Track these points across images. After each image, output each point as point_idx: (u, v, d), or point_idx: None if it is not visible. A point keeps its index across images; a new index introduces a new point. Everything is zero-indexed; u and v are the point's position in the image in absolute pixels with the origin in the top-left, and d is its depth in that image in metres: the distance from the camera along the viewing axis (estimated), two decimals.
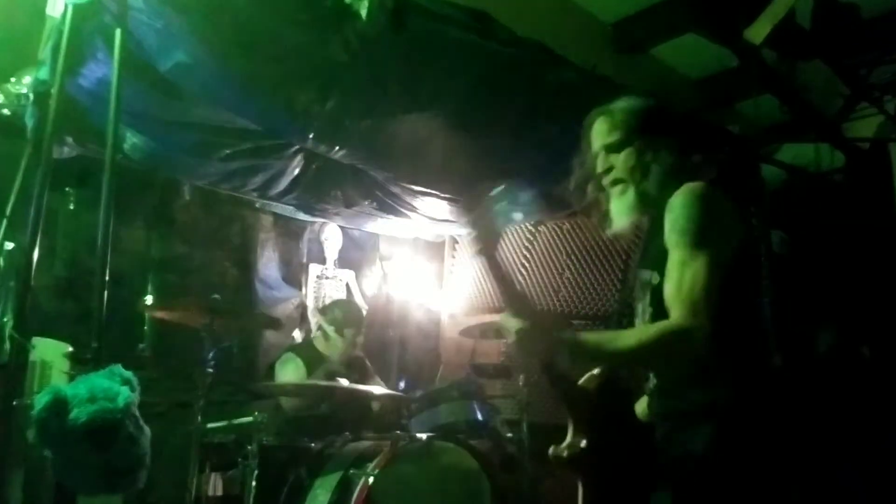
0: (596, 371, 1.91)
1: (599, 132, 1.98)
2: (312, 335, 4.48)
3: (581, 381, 1.92)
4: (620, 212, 1.91)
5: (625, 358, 1.73)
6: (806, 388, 3.80)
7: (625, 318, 1.98)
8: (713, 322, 1.61)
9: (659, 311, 1.72)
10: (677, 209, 1.73)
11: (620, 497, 1.81)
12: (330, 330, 4.10)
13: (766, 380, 1.78)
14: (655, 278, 1.77)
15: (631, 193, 1.89)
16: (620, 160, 1.91)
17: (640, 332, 1.76)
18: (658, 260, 1.75)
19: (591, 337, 1.79)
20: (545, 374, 1.83)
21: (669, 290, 1.67)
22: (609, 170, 1.93)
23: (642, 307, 1.85)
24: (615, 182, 1.92)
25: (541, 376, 1.82)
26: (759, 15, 3.30)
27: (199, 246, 4.56)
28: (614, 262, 4.89)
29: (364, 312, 5.16)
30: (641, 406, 1.93)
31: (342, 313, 4.19)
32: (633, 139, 1.91)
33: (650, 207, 1.88)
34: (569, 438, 1.82)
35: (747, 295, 1.79)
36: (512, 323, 1.76)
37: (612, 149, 1.93)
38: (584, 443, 1.78)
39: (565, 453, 1.81)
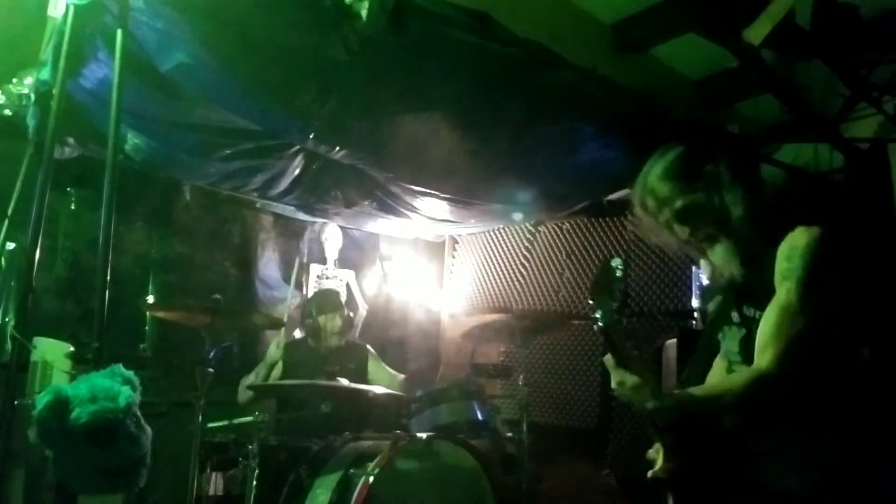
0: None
1: (657, 211, 1.90)
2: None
3: None
4: (725, 263, 1.86)
5: (724, 409, 1.72)
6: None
7: (707, 348, 1.97)
8: (801, 371, 1.64)
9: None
10: (790, 258, 1.72)
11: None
12: (309, 321, 4.12)
13: (871, 423, 1.81)
14: (759, 315, 1.76)
15: (723, 243, 1.84)
16: (694, 221, 1.85)
17: (734, 382, 1.75)
18: (763, 298, 1.74)
19: (696, 396, 1.73)
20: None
21: (764, 331, 1.69)
22: (692, 234, 1.87)
23: (738, 338, 1.85)
24: (704, 240, 1.87)
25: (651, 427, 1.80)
26: (759, 15, 3.30)
27: (200, 246, 4.57)
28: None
29: (364, 312, 5.19)
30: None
31: (315, 303, 4.20)
32: (690, 194, 1.84)
33: (750, 246, 1.83)
34: (660, 462, 1.83)
35: (851, 344, 1.84)
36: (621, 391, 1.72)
37: (681, 216, 1.86)
38: (671, 464, 1.79)
39: (662, 476, 1.81)
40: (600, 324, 1.71)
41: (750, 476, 1.76)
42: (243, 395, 3.99)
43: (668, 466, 1.79)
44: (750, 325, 1.83)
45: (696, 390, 1.75)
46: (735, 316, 1.88)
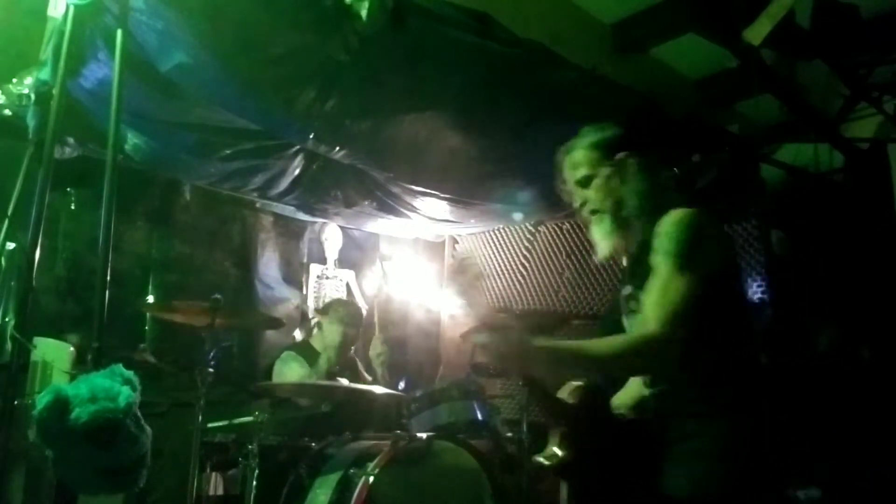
0: (577, 383, 1.99)
1: (569, 170, 2.09)
2: (312, 334, 4.48)
3: (561, 393, 2.00)
4: (601, 239, 2.03)
5: (600, 365, 1.82)
6: (806, 384, 3.80)
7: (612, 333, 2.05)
8: (688, 333, 1.71)
9: None
10: (665, 234, 1.84)
11: (606, 498, 1.89)
12: (333, 328, 4.10)
13: (760, 379, 1.87)
14: (642, 294, 1.85)
15: (607, 221, 2.01)
16: (592, 192, 2.03)
17: (615, 340, 1.82)
18: (645, 278, 1.84)
19: (567, 345, 1.84)
20: (526, 386, 1.90)
21: (648, 302, 1.79)
22: (584, 203, 2.05)
23: (630, 323, 1.97)
24: (591, 213, 2.04)
25: (522, 388, 1.93)
26: (759, 15, 3.30)
27: (200, 246, 4.56)
28: (614, 261, 4.88)
29: (364, 312, 5.18)
30: (629, 398, 2.03)
31: (345, 311, 4.20)
32: (600, 170, 2.02)
33: (631, 231, 2.00)
34: (549, 449, 1.91)
35: (735, 304, 1.90)
36: (485, 336, 1.81)
37: (582, 184, 2.05)
38: (562, 453, 1.86)
39: (546, 463, 1.89)
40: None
41: (652, 467, 1.82)
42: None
43: (560, 456, 1.87)
44: (630, 306, 1.96)
45: (566, 342, 1.85)
46: (633, 304, 1.97)
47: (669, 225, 1.84)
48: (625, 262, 2.11)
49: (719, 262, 1.84)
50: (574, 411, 1.89)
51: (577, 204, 2.07)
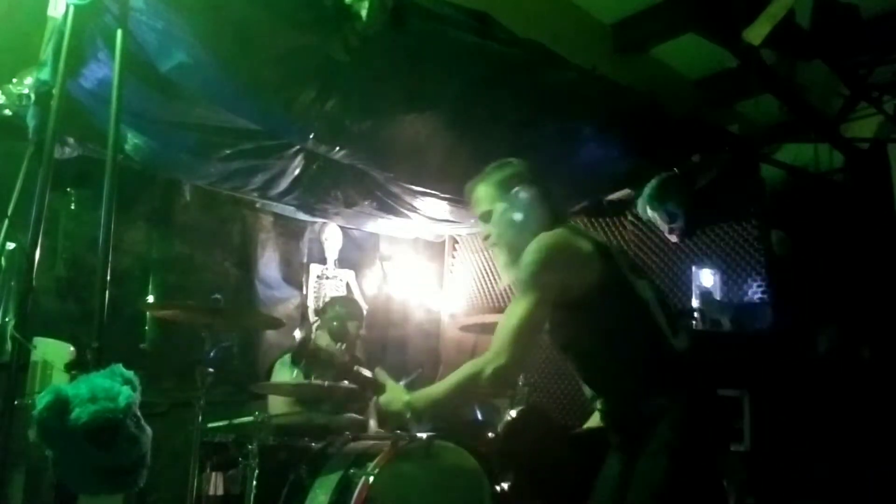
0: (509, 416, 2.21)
1: (473, 206, 2.28)
2: (314, 334, 4.48)
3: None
4: (502, 269, 2.20)
5: (450, 400, 2.05)
6: (806, 385, 3.81)
7: None
8: (520, 355, 1.94)
9: None
10: (521, 261, 2.02)
11: None
12: (333, 325, 4.10)
13: (677, 367, 2.00)
14: None
15: (504, 253, 2.18)
16: (492, 226, 2.20)
17: (453, 376, 2.01)
18: None
19: (422, 394, 2.07)
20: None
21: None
22: (487, 236, 2.23)
23: None
24: (493, 245, 2.22)
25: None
26: (759, 15, 3.30)
27: (200, 246, 4.56)
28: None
29: (364, 312, 5.17)
30: (594, 421, 2.22)
31: (343, 308, 4.20)
32: (496, 205, 2.18)
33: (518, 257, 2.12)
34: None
35: (624, 309, 2.02)
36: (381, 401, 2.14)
37: (484, 218, 2.23)
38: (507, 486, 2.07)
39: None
40: None
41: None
42: None
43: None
44: None
45: (421, 392, 2.07)
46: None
47: (525, 252, 2.01)
48: None
49: (583, 278, 1.97)
50: (502, 443, 2.10)
51: (483, 237, 2.26)
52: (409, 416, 2.04)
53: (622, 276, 2.04)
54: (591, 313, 1.97)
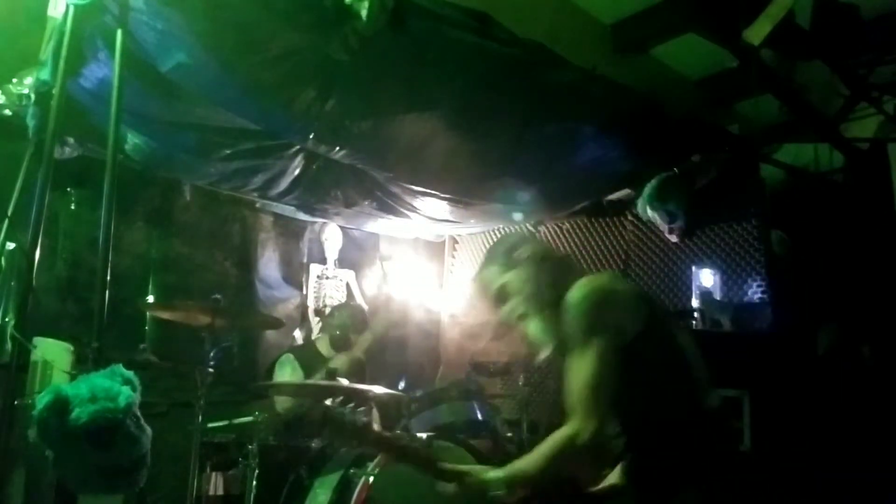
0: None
1: (482, 294, 2.16)
2: (315, 336, 4.48)
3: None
4: (541, 338, 2.05)
5: (545, 474, 1.86)
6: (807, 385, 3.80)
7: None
8: (607, 411, 1.80)
9: None
10: (569, 313, 1.89)
11: None
12: (336, 333, 4.11)
13: (703, 424, 1.90)
14: None
15: (537, 319, 2.04)
16: (511, 304, 2.07)
17: (543, 449, 1.86)
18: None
19: (510, 473, 1.88)
20: None
21: (569, 389, 1.84)
22: (510, 315, 2.09)
23: None
24: (519, 319, 2.08)
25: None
26: (759, 15, 3.30)
27: (200, 246, 4.56)
28: (613, 262, 4.89)
29: (366, 312, 5.18)
30: (617, 476, 2.06)
31: (350, 319, 4.20)
32: (505, 279, 2.08)
33: (557, 314, 1.98)
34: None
35: (665, 356, 1.91)
36: (448, 488, 1.92)
37: (499, 299, 2.11)
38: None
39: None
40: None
41: None
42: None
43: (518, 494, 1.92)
44: None
45: (509, 470, 1.88)
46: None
47: (570, 303, 1.89)
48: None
49: (632, 323, 1.86)
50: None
51: (504, 320, 2.11)
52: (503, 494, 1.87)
53: (665, 324, 1.95)
54: (634, 363, 1.83)
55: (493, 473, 1.86)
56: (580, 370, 1.82)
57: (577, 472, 2.02)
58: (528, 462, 1.87)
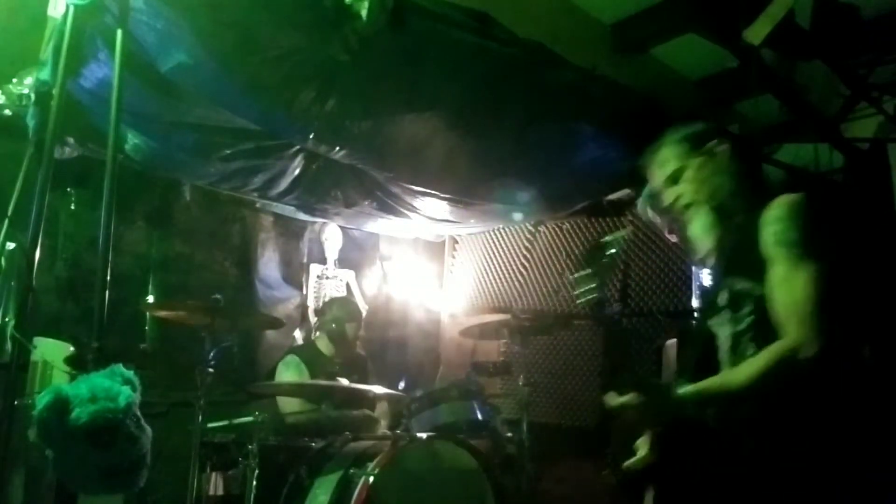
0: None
1: (657, 169, 2.02)
2: (314, 335, 4.49)
3: None
4: (701, 234, 1.94)
5: (748, 392, 1.70)
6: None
7: (703, 328, 1.97)
8: (826, 334, 1.64)
9: (762, 321, 1.73)
10: (778, 221, 1.74)
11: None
12: (331, 327, 4.11)
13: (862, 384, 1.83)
14: (757, 289, 1.76)
15: (705, 213, 1.92)
16: (683, 186, 1.95)
17: (756, 363, 1.70)
18: (755, 269, 1.75)
19: (709, 386, 1.74)
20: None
21: (780, 307, 1.68)
22: (676, 199, 1.97)
23: (735, 317, 1.84)
24: (686, 207, 1.96)
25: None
26: (759, 15, 3.30)
27: (200, 246, 4.57)
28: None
29: (364, 312, 5.18)
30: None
31: (341, 310, 4.21)
32: (690, 161, 1.95)
33: (731, 219, 1.90)
34: (642, 453, 1.89)
35: (853, 299, 1.82)
36: (628, 402, 1.74)
37: (672, 180, 1.98)
38: (651, 456, 1.84)
39: (639, 465, 1.88)
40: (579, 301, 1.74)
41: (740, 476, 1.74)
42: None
43: (648, 459, 1.84)
44: (740, 302, 1.82)
45: (705, 385, 1.73)
46: (723, 298, 1.88)
47: (781, 211, 1.76)
48: (713, 259, 1.98)
49: (838, 251, 1.74)
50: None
51: (668, 202, 1.99)
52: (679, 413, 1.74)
53: (861, 262, 1.86)
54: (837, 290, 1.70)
55: (685, 389, 1.72)
56: (796, 283, 1.66)
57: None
58: (732, 375, 1.72)
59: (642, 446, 1.90)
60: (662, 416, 1.76)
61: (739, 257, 1.85)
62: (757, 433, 1.72)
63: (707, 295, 2.02)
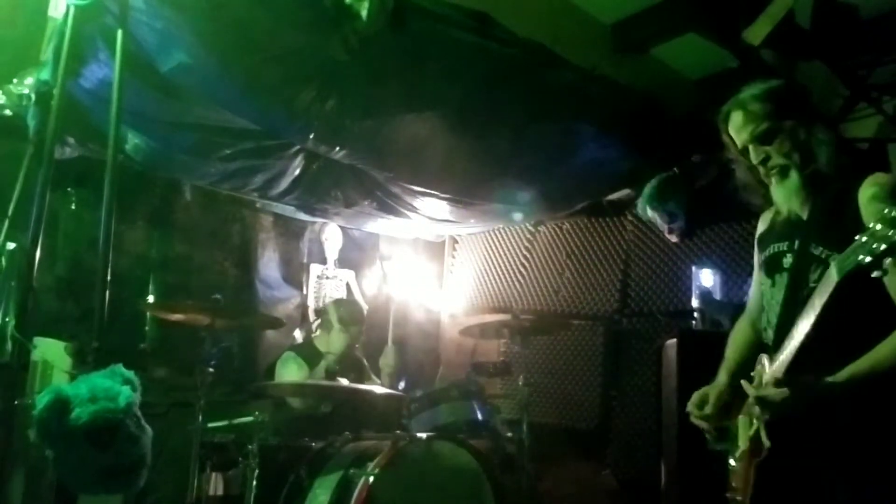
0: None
1: (741, 126, 1.95)
2: (313, 334, 4.49)
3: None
4: (786, 196, 1.92)
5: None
6: None
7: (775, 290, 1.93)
8: None
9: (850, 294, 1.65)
10: (881, 193, 1.72)
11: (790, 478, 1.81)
12: (336, 328, 4.10)
13: None
14: (833, 258, 1.69)
15: (795, 177, 1.88)
16: (775, 147, 1.89)
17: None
18: (836, 239, 1.70)
19: (861, 367, 1.69)
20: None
21: None
22: (766, 159, 1.91)
23: (795, 281, 1.84)
24: (774, 168, 1.91)
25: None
26: (759, 15, 3.30)
27: (200, 246, 4.57)
28: (614, 262, 4.90)
29: (365, 314, 5.18)
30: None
31: (346, 311, 4.20)
32: (780, 124, 1.89)
33: (822, 186, 1.86)
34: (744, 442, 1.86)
35: None
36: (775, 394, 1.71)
37: (761, 139, 1.91)
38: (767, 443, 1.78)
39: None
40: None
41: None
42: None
43: (758, 448, 1.78)
44: (807, 267, 1.81)
45: (855, 367, 1.68)
46: (788, 261, 1.87)
47: (885, 186, 1.73)
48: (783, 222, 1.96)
49: None
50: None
51: (755, 161, 1.92)
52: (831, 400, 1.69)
53: None
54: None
55: (836, 376, 1.67)
56: None
57: None
58: (880, 355, 1.67)
59: (742, 435, 1.88)
60: (809, 405, 1.70)
61: (822, 225, 1.83)
62: (855, 405, 1.71)
63: (771, 257, 1.97)
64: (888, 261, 1.46)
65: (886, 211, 1.44)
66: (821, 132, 1.88)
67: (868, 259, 1.50)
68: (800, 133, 1.87)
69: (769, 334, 1.92)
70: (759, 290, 2.08)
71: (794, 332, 1.73)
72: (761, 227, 2.12)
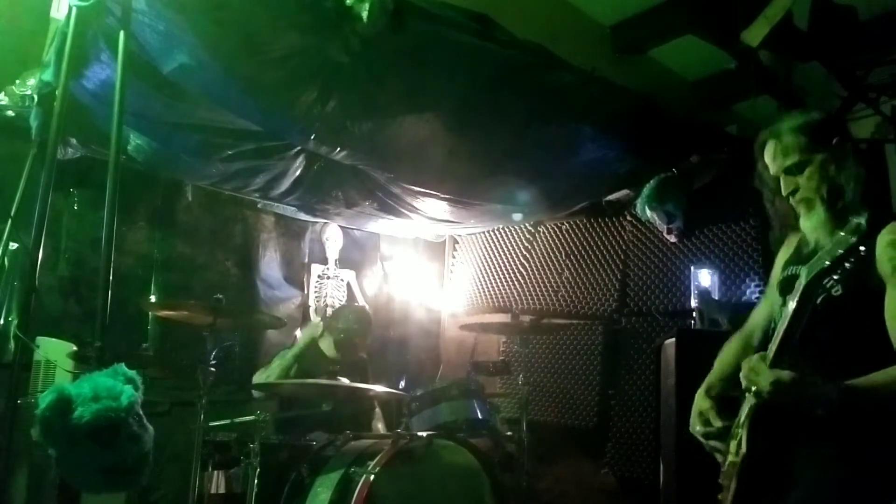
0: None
1: (774, 156, 2.00)
2: (318, 335, 4.49)
3: None
4: (813, 228, 1.95)
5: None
6: None
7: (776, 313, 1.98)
8: None
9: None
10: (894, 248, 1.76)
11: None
12: (341, 337, 4.10)
13: None
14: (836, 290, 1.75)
15: (821, 211, 1.92)
16: (804, 180, 1.93)
17: None
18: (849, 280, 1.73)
19: (876, 379, 1.71)
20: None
21: None
22: (794, 191, 1.95)
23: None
24: (802, 201, 1.95)
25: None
26: (757, 17, 3.31)
27: (202, 246, 4.59)
28: (613, 262, 4.91)
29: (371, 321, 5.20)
30: None
31: (356, 323, 4.19)
32: (814, 156, 1.92)
33: (846, 222, 1.83)
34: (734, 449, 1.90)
35: None
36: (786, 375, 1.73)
37: (793, 171, 1.95)
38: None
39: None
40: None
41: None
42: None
43: (741, 453, 1.82)
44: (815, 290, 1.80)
45: (870, 380, 1.70)
46: (800, 283, 1.86)
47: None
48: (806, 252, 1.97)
49: None
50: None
51: (785, 192, 1.97)
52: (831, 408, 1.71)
53: None
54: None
55: (853, 381, 1.69)
56: None
57: None
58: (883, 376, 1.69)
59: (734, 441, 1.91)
60: (816, 401, 1.73)
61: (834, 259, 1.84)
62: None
63: (786, 279, 2.00)
64: (847, 265, 1.56)
65: (852, 219, 1.52)
66: (852, 166, 1.90)
67: (828, 262, 1.60)
68: (830, 168, 1.90)
69: None
70: (767, 310, 2.14)
71: (776, 332, 1.79)
72: (786, 250, 2.14)
